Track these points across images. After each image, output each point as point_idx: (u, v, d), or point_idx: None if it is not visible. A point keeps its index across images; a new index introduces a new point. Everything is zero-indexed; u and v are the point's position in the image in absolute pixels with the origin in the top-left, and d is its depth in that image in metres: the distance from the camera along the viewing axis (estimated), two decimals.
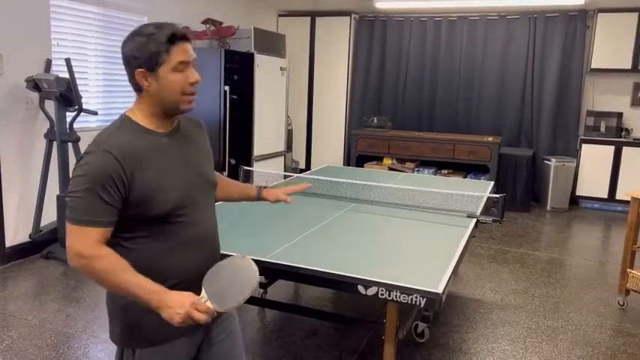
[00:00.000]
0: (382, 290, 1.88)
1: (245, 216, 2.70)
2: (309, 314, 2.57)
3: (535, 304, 3.51)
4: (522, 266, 4.27)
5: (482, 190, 3.79)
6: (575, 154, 6.39)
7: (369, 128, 6.72)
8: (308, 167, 7.25)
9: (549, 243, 5.00)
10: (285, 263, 2.02)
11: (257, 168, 5.66)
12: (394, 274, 1.97)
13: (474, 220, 2.88)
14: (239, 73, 5.35)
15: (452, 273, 2.02)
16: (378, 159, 6.60)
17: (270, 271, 2.05)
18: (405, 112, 7.06)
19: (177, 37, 1.33)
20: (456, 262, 2.13)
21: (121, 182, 1.29)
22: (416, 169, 6.42)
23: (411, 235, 2.53)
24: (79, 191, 1.28)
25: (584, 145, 6.32)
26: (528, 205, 6.23)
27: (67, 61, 3.58)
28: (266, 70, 5.69)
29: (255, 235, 2.36)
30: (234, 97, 5.30)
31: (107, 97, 4.74)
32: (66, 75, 3.73)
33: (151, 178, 1.33)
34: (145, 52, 1.32)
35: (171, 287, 1.32)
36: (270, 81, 5.84)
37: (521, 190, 6.16)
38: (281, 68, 6.04)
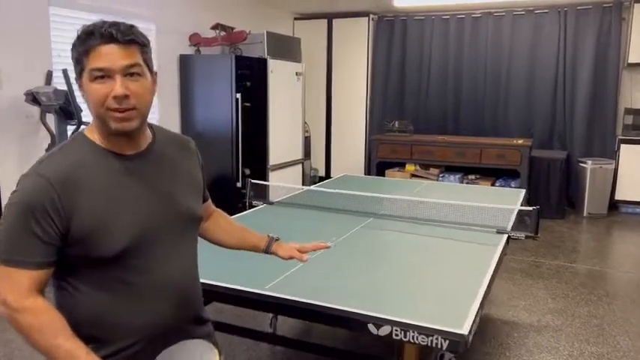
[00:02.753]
0: (397, 330, 1.59)
1: None
2: (318, 351, 2.30)
3: (576, 326, 3.16)
4: (559, 281, 3.91)
5: (512, 198, 3.45)
6: (614, 155, 5.95)
7: (390, 133, 6.42)
8: (328, 175, 6.98)
9: (588, 253, 4.61)
10: (283, 297, 1.75)
11: (273, 177, 5.43)
12: (411, 309, 1.68)
13: (505, 236, 2.56)
14: (252, 79, 5.13)
15: (479, 307, 1.71)
16: (400, 165, 6.28)
17: (268, 307, 1.78)
18: (428, 115, 6.73)
19: (94, 37, 1.07)
20: (485, 293, 1.83)
21: (57, 214, 1.04)
22: (440, 176, 6.08)
23: (431, 258, 2.23)
24: (7, 223, 1.04)
25: (622, 146, 5.88)
26: (563, 211, 5.82)
27: (64, 72, 3.41)
28: (281, 76, 5.45)
29: (252, 259, 2.09)
30: (247, 104, 5.08)
31: None
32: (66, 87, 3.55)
33: (97, 210, 1.09)
34: (73, 58, 1.08)
35: (125, 350, 1.06)
36: (286, 87, 5.61)
37: (555, 195, 5.76)
38: (297, 73, 5.80)
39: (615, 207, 6.04)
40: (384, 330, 1.60)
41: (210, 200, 1.52)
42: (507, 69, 6.34)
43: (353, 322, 1.65)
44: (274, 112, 5.37)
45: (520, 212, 3.00)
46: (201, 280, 1.86)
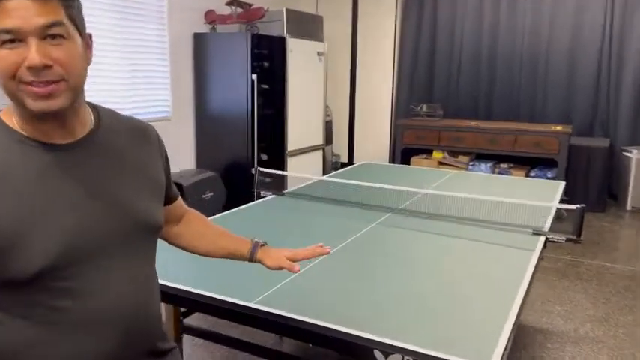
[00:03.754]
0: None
1: (236, 228, 2.17)
2: None
3: (619, 338, 2.81)
4: (599, 283, 3.54)
5: (549, 192, 3.10)
6: None
7: (417, 118, 6.05)
8: (350, 162, 6.65)
9: (632, 252, 4.21)
10: (273, 312, 1.48)
11: (292, 164, 5.17)
12: (428, 333, 1.40)
13: (542, 238, 2.23)
14: (270, 59, 4.84)
15: (511, 332, 1.41)
16: (427, 152, 5.92)
17: (256, 323, 1.51)
18: (458, 99, 6.32)
19: None
20: (517, 314, 1.52)
21: None
22: (470, 164, 5.70)
23: (455, 265, 1.92)
24: None
25: None
26: (604, 205, 5.38)
27: None
28: (300, 56, 5.15)
29: (242, 265, 1.83)
30: (265, 86, 4.80)
31: (130, 89, 4.35)
32: None
33: (9, 218, 0.84)
34: None
35: None
36: (306, 68, 5.30)
37: (595, 187, 5.33)
38: (318, 53, 5.48)
39: None
40: (394, 359, 1.32)
41: (180, 199, 1.26)
42: (546, 49, 5.87)
43: (355, 347, 1.37)
44: (293, 95, 5.07)
45: (558, 211, 2.66)
46: (181, 287, 1.63)
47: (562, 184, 3.35)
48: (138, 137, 1.06)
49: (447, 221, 2.43)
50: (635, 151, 5.33)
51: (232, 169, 4.74)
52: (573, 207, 2.32)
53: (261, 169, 2.95)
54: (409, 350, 1.31)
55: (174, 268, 1.72)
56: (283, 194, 2.88)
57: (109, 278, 0.94)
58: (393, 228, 2.33)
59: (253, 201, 2.73)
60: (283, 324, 1.45)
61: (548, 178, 5.11)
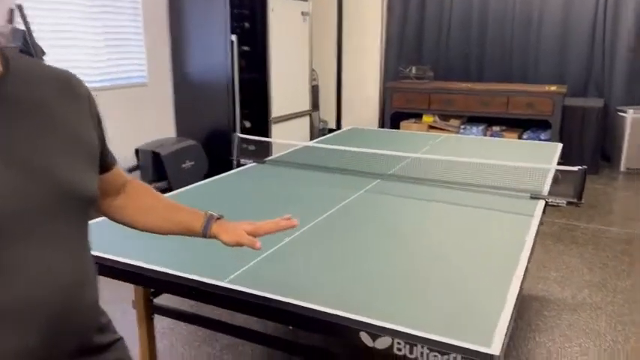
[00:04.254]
0: (399, 344, 1.15)
1: (205, 200, 1.99)
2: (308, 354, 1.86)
3: (618, 304, 2.70)
4: (596, 248, 3.43)
5: (545, 154, 2.94)
6: None
7: (406, 80, 5.83)
8: (339, 127, 6.46)
9: (628, 215, 4.10)
10: (249, 292, 1.31)
11: (277, 131, 4.96)
12: (421, 313, 1.24)
13: (541, 203, 2.08)
14: (250, 20, 4.57)
15: (513, 310, 1.26)
16: (417, 116, 5.73)
17: (229, 304, 1.35)
18: (449, 60, 6.10)
19: None
20: (519, 288, 1.37)
21: None
22: (462, 128, 5.53)
23: (448, 235, 1.77)
24: None
25: None
26: (597, 166, 5.26)
27: (20, 8, 2.92)
28: (284, 16, 4.87)
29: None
30: (246, 48, 4.55)
31: (101, 55, 4.08)
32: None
33: None
34: None
35: None
36: (290, 29, 5.03)
37: (589, 148, 5.19)
38: (302, 13, 5.20)
39: None
40: (383, 342, 1.17)
41: (119, 168, 1.06)
42: (539, 8, 5.64)
43: (340, 329, 1.22)
44: (277, 58, 4.82)
45: (556, 174, 2.51)
46: (144, 265, 1.46)
47: (559, 146, 3.20)
48: (63, 90, 0.86)
49: (440, 187, 2.27)
50: (631, 110, 5.19)
51: (214, 137, 4.52)
52: (575, 168, 2.16)
53: (241, 136, 2.75)
54: (400, 332, 1.15)
55: (134, 244, 1.54)
56: (265, 162, 2.69)
57: (26, 260, 0.76)
58: (383, 195, 2.16)
59: (228, 171, 2.54)
60: (259, 304, 1.29)
61: (541, 140, 4.96)
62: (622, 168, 5.32)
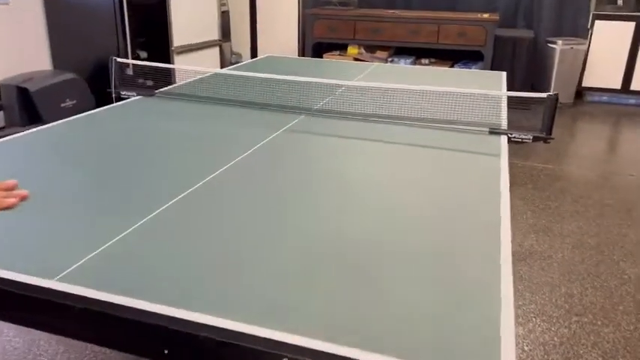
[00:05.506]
0: None
1: (36, 151, 1.40)
2: None
3: (567, 250, 2.45)
4: (535, 187, 3.17)
5: (490, 84, 2.56)
6: (586, 34, 5.12)
7: (328, 7, 5.23)
8: None
9: (563, 151, 3.91)
10: (89, 296, 0.78)
11: (180, 63, 4.23)
12: (379, 316, 0.78)
13: (504, 138, 1.68)
14: None
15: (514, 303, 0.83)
16: (341, 48, 5.19)
17: (58, 320, 0.82)
18: None
19: None
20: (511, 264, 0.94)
21: None
22: (389, 59, 5.07)
23: (398, 189, 1.31)
24: None
25: (597, 22, 5.06)
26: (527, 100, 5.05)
27: None
28: None
29: (46, 222, 1.10)
30: None
31: None
32: None
33: None
34: None
35: None
36: None
37: (520, 80, 4.97)
38: None
39: (580, 95, 5.35)
40: None
41: None
42: None
43: (249, 356, 0.73)
44: None
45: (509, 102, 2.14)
46: None
47: (503, 75, 2.83)
48: None
49: (382, 122, 1.80)
50: (560, 42, 4.97)
51: (101, 71, 3.74)
52: (543, 95, 1.77)
53: (120, 60, 2.09)
54: (322, 353, 0.69)
55: None
56: (154, 94, 2.08)
57: None
58: (307, 135, 1.66)
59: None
60: (104, 316, 0.77)
61: None
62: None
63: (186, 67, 2.34)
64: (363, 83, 2.14)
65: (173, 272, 0.87)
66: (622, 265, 2.32)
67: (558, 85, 5.08)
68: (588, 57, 5.13)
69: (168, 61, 4.12)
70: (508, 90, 2.36)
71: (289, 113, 1.86)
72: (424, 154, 1.54)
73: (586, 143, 4.15)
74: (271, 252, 0.94)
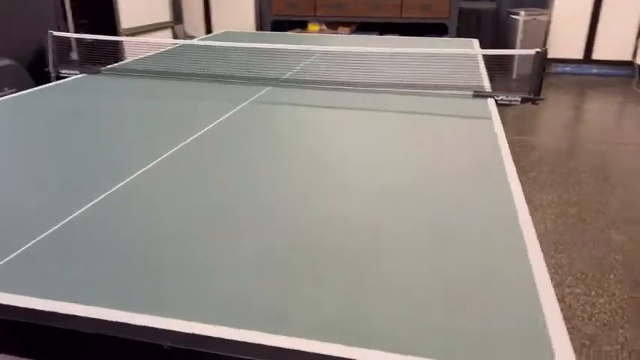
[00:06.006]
0: None
1: None
2: None
3: (551, 220, 2.36)
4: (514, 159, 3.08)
5: (462, 48, 2.44)
6: (548, 5, 5.09)
7: None
8: None
9: (535, 123, 3.85)
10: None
11: (130, 48, 3.94)
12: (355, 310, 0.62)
13: (491, 101, 1.55)
14: None
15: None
16: (301, 25, 4.99)
17: None
18: None
19: None
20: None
21: None
22: (352, 36, 4.90)
23: (386, 161, 1.16)
24: None
25: None
26: (491, 73, 4.98)
27: None
28: None
29: None
30: None
31: None
32: None
33: None
34: None
35: None
36: None
37: None
38: None
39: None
40: None
41: None
42: None
43: None
44: None
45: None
46: None
47: (476, 41, 2.71)
48: None
49: (358, 91, 1.64)
50: (523, 12, 4.91)
51: (41, 56, 3.43)
52: (531, 51, 1.64)
53: (57, 34, 1.85)
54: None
55: None
56: (100, 72, 1.85)
57: None
58: (276, 106, 1.48)
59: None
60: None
61: None
62: (514, 75, 5.11)
63: (137, 39, 2.10)
64: (338, 48, 1.97)
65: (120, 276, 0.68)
66: (607, 232, 2.24)
67: (522, 57, 5.03)
68: (551, 28, 5.10)
69: (117, 45, 3.83)
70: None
71: (254, 85, 1.67)
72: (410, 120, 1.39)
73: (556, 114, 4.11)
74: (237, 234, 0.77)
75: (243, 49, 1.73)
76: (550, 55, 5.21)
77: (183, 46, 2.26)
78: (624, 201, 2.51)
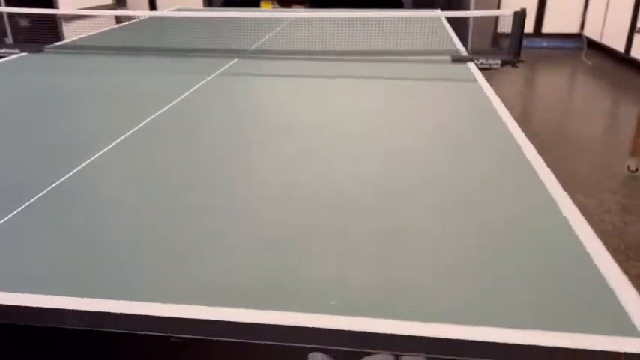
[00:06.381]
0: None
1: None
2: None
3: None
4: None
5: (430, 23, 2.38)
6: None
7: None
8: None
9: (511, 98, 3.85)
10: None
11: (70, 32, 3.68)
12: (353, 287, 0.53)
13: (472, 65, 1.49)
14: None
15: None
16: (253, 4, 4.81)
17: None
18: None
19: None
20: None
21: None
22: None
23: (375, 133, 1.07)
24: None
25: None
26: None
27: None
28: None
29: None
30: None
31: None
32: None
33: None
34: None
35: None
36: None
37: None
38: None
39: (497, 42, 5.37)
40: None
41: None
42: None
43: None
44: None
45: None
46: None
47: (439, 11, 2.66)
48: None
49: (333, 60, 1.54)
50: None
51: None
52: (508, 12, 1.59)
53: None
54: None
55: None
56: (43, 50, 1.67)
57: None
58: (247, 77, 1.36)
59: None
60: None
61: None
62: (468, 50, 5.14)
63: (77, 12, 1.92)
64: (310, 13, 1.86)
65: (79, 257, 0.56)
66: (579, 198, 2.25)
67: (475, 32, 5.05)
68: (502, 2, 5.14)
69: (57, 27, 3.56)
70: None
71: (219, 58, 1.54)
72: (399, 86, 1.30)
73: (511, 87, 4.14)
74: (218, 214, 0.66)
75: (205, 19, 1.60)
76: (500, 30, 5.27)
77: (137, 22, 2.08)
78: (571, 170, 2.54)
